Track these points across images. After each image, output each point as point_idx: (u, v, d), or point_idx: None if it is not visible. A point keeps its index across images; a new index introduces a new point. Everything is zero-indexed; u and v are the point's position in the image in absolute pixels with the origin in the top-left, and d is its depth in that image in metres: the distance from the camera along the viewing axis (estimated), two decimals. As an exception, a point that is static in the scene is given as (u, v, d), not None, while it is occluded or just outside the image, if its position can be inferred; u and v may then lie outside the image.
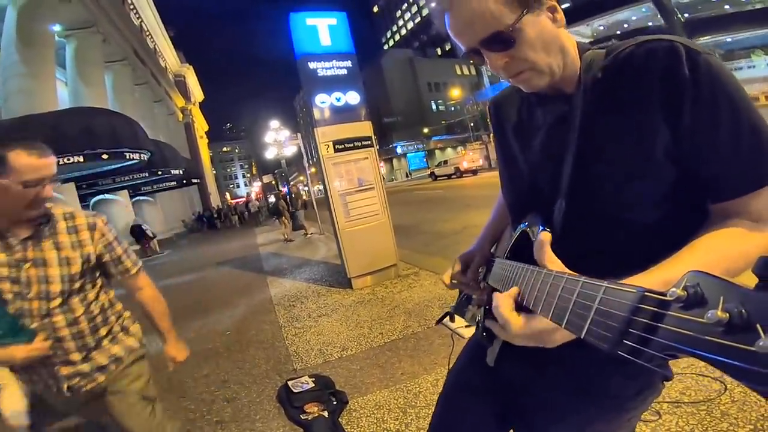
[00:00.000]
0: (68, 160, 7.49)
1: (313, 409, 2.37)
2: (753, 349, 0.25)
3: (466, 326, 1.06)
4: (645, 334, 0.33)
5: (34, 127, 7.59)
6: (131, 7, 19.46)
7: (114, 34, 14.83)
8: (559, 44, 0.70)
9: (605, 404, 0.78)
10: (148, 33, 23.32)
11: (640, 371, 0.75)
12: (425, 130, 49.40)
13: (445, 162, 29.27)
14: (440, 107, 53.28)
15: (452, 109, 49.66)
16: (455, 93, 42.43)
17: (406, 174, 47.70)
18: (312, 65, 5.02)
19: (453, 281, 1.03)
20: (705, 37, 20.21)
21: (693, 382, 2.04)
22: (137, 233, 12.08)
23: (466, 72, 54.86)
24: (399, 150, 49.85)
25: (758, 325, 0.25)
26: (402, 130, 49.78)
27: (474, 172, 25.47)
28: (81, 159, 7.59)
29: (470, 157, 26.83)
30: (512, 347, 0.65)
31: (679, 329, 0.30)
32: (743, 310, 0.26)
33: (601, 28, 25.04)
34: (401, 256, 5.78)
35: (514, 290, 0.62)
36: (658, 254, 0.62)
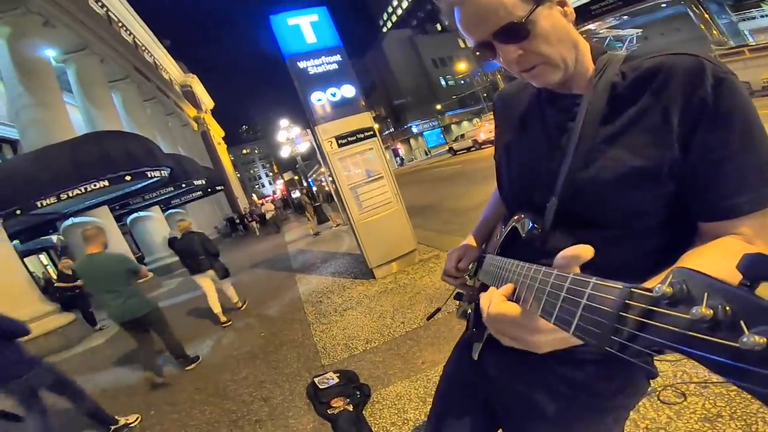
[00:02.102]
0: (95, 186, 7.87)
1: (338, 404, 2.51)
2: (736, 345, 0.25)
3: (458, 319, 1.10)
4: (633, 331, 0.34)
5: (55, 159, 7.96)
6: (120, 25, 19.61)
7: (110, 54, 14.79)
8: (571, 38, 0.70)
9: (584, 402, 0.79)
10: (144, 48, 23.37)
11: (618, 369, 0.77)
12: (438, 107, 48.40)
13: (462, 136, 28.69)
14: (449, 82, 51.93)
15: (462, 82, 48.45)
16: (462, 66, 41.31)
17: (425, 152, 47.10)
18: (301, 65, 5.01)
19: (444, 276, 1.06)
20: None
21: None
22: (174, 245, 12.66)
23: (469, 44, 53.00)
24: (414, 129, 49.18)
25: (742, 322, 0.25)
26: (414, 110, 48.98)
27: (492, 142, 24.84)
28: (106, 183, 7.97)
29: (487, 127, 26.11)
30: (497, 343, 0.63)
31: (665, 325, 0.31)
32: (727, 307, 0.27)
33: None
34: (421, 239, 5.82)
35: (509, 287, 0.60)
36: (645, 260, 0.65)
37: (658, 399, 1.86)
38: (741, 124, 0.59)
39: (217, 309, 5.65)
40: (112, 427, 3.34)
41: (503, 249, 0.85)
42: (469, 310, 0.97)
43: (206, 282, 5.72)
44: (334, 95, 5.09)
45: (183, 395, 3.69)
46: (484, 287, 0.85)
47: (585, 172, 0.68)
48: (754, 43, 15.34)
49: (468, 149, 26.66)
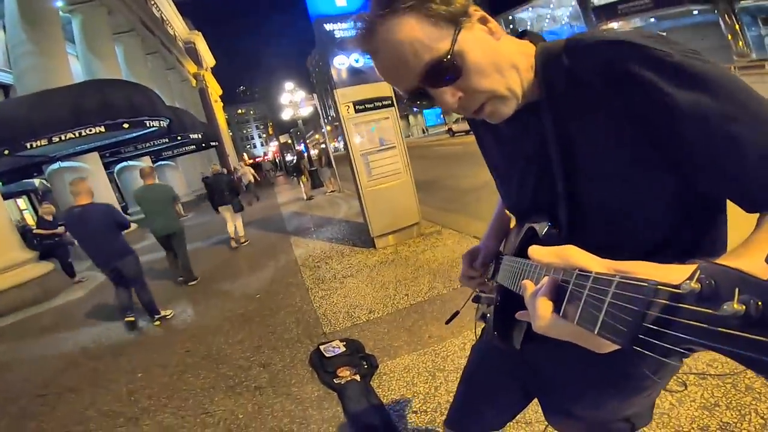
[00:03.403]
0: (90, 131, 7.52)
1: (345, 374, 2.43)
2: None
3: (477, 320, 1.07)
4: (660, 329, 0.32)
5: (53, 102, 7.60)
6: None
7: (118, 6, 14.59)
8: (509, 60, 0.62)
9: (623, 385, 0.78)
10: (153, 2, 22.90)
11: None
12: (441, 85, 47.93)
13: (463, 117, 28.46)
14: (455, 61, 51.35)
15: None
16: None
17: (423, 130, 46.88)
18: (328, 27, 4.93)
19: (462, 278, 1.02)
20: (747, 1, 18.25)
21: (720, 355, 1.99)
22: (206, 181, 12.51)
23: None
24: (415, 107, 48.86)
25: None
26: (417, 86, 48.40)
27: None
28: (102, 129, 7.63)
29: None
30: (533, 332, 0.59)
31: (694, 323, 0.30)
32: (759, 302, 0.25)
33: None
34: (423, 214, 5.73)
35: (551, 280, 0.50)
36: (673, 244, 0.63)
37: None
38: (718, 105, 0.50)
39: (231, 234, 7.62)
40: (156, 317, 4.42)
41: (521, 250, 0.81)
42: (489, 314, 0.93)
43: (227, 212, 7.58)
44: (357, 61, 5.00)
45: (174, 357, 3.48)
46: (502, 289, 0.84)
47: (579, 175, 0.64)
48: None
49: (467, 132, 26.49)
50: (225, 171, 8.94)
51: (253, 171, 11.83)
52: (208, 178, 8.21)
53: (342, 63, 4.94)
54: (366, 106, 4.93)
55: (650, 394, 0.82)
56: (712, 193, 0.59)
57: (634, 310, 0.35)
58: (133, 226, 10.89)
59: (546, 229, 0.71)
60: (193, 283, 5.68)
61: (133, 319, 4.37)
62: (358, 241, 5.72)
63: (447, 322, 1.32)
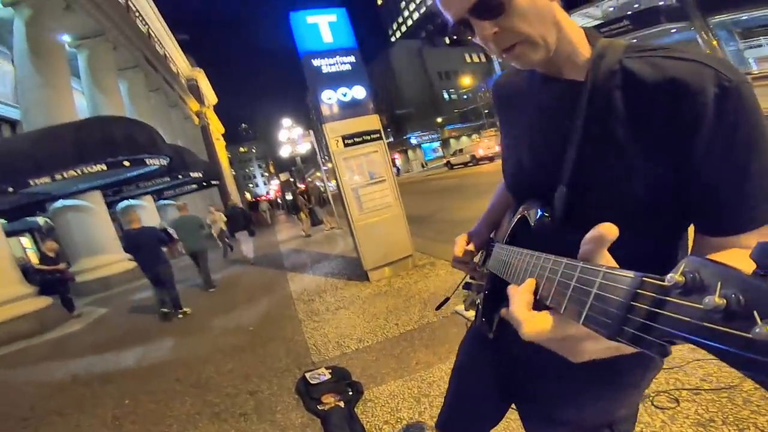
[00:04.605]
0: (92, 168, 7.78)
1: (329, 400, 2.44)
2: (749, 336, 0.24)
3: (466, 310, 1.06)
4: (644, 321, 0.33)
5: (57, 139, 7.90)
6: (137, 14, 19.76)
7: (123, 42, 14.94)
8: (553, 18, 0.66)
9: (602, 379, 0.77)
10: (156, 39, 23.50)
11: None
12: (439, 120, 48.98)
13: (461, 150, 28.97)
14: (452, 96, 52.60)
15: (465, 97, 49.06)
16: (466, 81, 42.24)
17: (422, 164, 47.42)
18: (316, 62, 5.07)
19: (454, 263, 1.05)
20: (721, 16, 19.27)
21: (715, 368, 1.99)
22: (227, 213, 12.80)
23: (476, 59, 53.95)
24: (413, 141, 49.51)
25: (755, 312, 0.25)
26: (415, 121, 49.37)
27: (491, 159, 25.10)
28: (104, 167, 7.88)
29: (485, 144, 26.40)
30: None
31: (677, 315, 0.30)
32: (740, 297, 0.26)
33: (611, 9, 24.07)
34: (417, 246, 5.80)
35: (531, 283, 0.54)
36: (661, 246, 0.65)
37: (652, 404, 1.87)
38: (747, 136, 0.55)
39: (244, 254, 9.65)
40: (179, 311, 5.92)
41: (512, 238, 0.84)
42: (478, 300, 0.95)
43: (242, 237, 9.64)
44: (344, 95, 5.14)
45: (162, 385, 3.53)
46: (493, 276, 0.85)
47: (590, 161, 0.66)
48: (756, 71, 15.67)
49: (465, 164, 26.85)
50: (240, 205, 11.22)
51: (224, 218, 10.65)
52: (229, 210, 10.53)
53: (330, 98, 5.09)
54: (355, 139, 5.05)
55: (631, 397, 0.81)
56: (695, 207, 0.61)
57: (619, 301, 0.35)
58: (133, 264, 11.01)
59: (538, 218, 0.71)
60: (212, 290, 7.30)
61: (167, 311, 5.84)
62: (353, 275, 5.75)
63: (437, 308, 1.34)
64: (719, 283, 0.28)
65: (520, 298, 0.53)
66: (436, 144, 50.90)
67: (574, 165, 0.67)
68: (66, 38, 11.58)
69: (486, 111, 40.49)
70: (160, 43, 24.77)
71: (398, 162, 49.67)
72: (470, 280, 1.07)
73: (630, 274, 0.36)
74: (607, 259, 0.45)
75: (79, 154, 7.82)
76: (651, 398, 1.91)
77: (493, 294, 0.87)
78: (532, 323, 0.49)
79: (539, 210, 0.72)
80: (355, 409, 2.39)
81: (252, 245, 9.72)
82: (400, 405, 2.37)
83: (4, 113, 11.31)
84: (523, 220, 0.77)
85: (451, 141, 48.74)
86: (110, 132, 8.47)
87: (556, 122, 0.72)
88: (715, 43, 19.42)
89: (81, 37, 12.38)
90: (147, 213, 14.36)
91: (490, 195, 1.02)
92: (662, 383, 1.99)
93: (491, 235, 1.06)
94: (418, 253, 5.69)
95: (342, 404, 2.39)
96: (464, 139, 47.26)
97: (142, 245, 5.69)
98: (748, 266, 0.28)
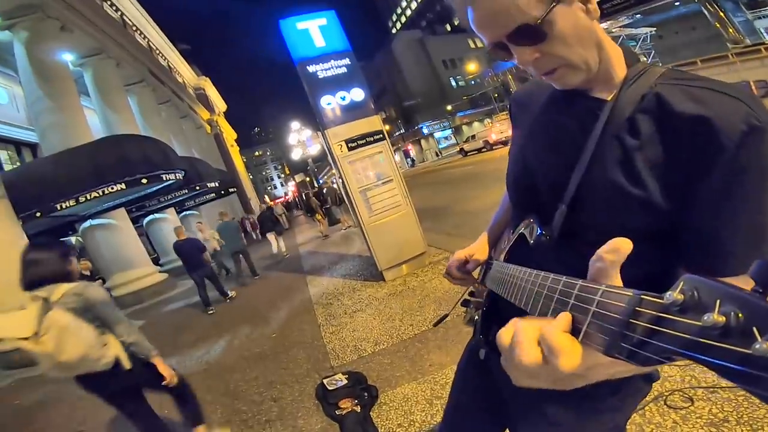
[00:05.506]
0: (112, 188, 8.08)
1: (346, 405, 2.55)
2: (749, 351, 0.25)
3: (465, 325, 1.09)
4: (642, 338, 0.33)
5: (75, 161, 8.22)
6: (134, 29, 19.91)
7: (125, 57, 14.94)
8: (595, 38, 0.65)
9: (577, 404, 0.77)
10: (158, 52, 23.57)
11: None
12: (449, 108, 48.48)
13: (473, 137, 28.62)
14: (460, 83, 51.99)
15: (472, 82, 48.52)
16: (472, 67, 41.61)
17: (436, 153, 47.06)
18: (311, 69, 5.08)
19: (445, 275, 1.08)
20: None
21: None
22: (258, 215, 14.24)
23: (480, 45, 52.65)
24: (425, 131, 49.19)
25: (755, 328, 0.25)
26: (425, 111, 49.02)
27: (504, 143, 24.77)
28: (123, 186, 8.18)
29: (498, 128, 26.02)
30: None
31: (676, 332, 0.30)
32: (740, 314, 0.26)
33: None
34: (432, 241, 5.83)
35: (567, 319, 0.43)
36: (658, 269, 0.62)
37: (665, 403, 1.87)
38: (758, 179, 0.54)
39: (276, 250, 11.17)
40: (227, 297, 7.48)
41: (511, 255, 0.84)
42: (476, 317, 0.96)
43: (272, 236, 11.14)
44: (343, 99, 5.15)
45: (198, 394, 3.72)
46: (490, 293, 0.87)
47: (596, 183, 0.65)
48: (770, 41, 14.94)
49: (479, 150, 26.59)
50: (267, 207, 13.66)
51: (217, 236, 9.01)
52: (261, 214, 12.62)
53: (329, 103, 5.09)
54: (358, 142, 5.06)
55: (615, 419, 0.80)
56: (686, 248, 0.60)
57: (618, 319, 0.35)
58: (163, 276, 11.43)
59: (537, 236, 0.71)
60: (257, 277, 8.97)
61: (213, 311, 6.96)
62: (369, 275, 5.84)
63: (435, 325, 1.35)
64: (718, 301, 0.28)
65: (557, 328, 0.43)
66: (449, 132, 50.37)
67: (579, 185, 0.66)
68: (69, 57, 11.67)
69: (495, 95, 39.83)
70: (163, 55, 24.79)
71: (412, 153, 49.47)
72: (469, 297, 1.08)
73: (629, 292, 0.36)
74: (618, 280, 0.42)
75: (98, 175, 8.09)
76: (664, 397, 1.89)
77: (491, 311, 0.89)
78: (573, 353, 0.41)
79: (539, 228, 0.72)
80: (370, 413, 2.49)
81: (283, 242, 11.31)
82: (413, 408, 2.45)
83: (23, 137, 11.63)
84: (521, 237, 0.78)
85: (464, 127, 48.18)
86: (124, 151, 8.69)
87: (570, 137, 0.71)
88: (722, 14, 18.48)
89: (83, 56, 12.43)
90: (171, 225, 14.81)
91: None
92: (677, 381, 1.97)
93: (491, 251, 1.07)
94: (432, 249, 5.73)
95: (358, 408, 2.49)
96: (476, 124, 46.61)
97: (187, 252, 7.04)
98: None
